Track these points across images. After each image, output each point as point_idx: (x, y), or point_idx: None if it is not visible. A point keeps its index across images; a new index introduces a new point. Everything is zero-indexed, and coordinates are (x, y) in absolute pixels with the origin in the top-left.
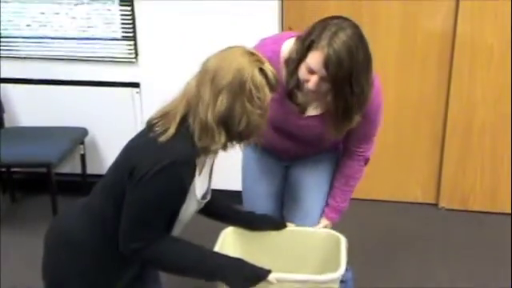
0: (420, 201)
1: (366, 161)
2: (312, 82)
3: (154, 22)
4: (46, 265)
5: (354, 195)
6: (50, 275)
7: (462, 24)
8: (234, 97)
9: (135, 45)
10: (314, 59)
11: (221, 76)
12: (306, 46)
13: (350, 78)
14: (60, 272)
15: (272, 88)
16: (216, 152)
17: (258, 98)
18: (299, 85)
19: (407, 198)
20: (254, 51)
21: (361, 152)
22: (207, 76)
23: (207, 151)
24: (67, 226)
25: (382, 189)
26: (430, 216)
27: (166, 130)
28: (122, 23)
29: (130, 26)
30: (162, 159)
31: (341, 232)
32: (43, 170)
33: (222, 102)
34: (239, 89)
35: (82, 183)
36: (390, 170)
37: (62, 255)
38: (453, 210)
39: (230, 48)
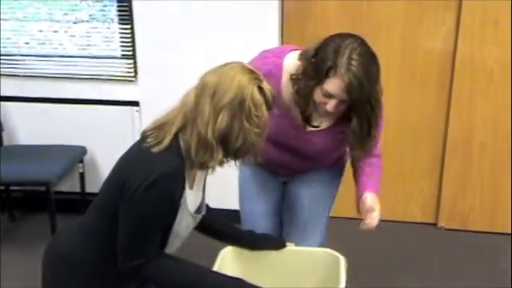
0: (419, 220)
1: (380, 157)
2: (331, 105)
3: (154, 41)
4: (45, 285)
5: (354, 214)
6: None
7: (462, 45)
8: (233, 115)
9: (135, 63)
10: (335, 86)
11: (222, 93)
12: (323, 73)
13: (369, 98)
14: None
15: (269, 107)
16: (213, 168)
17: (256, 117)
18: (315, 108)
19: (406, 218)
20: (253, 68)
21: (373, 156)
22: (207, 91)
23: (204, 166)
24: (64, 245)
25: (382, 208)
26: (429, 235)
27: (159, 142)
28: (122, 42)
29: (130, 44)
30: (152, 173)
31: (340, 251)
32: (42, 188)
33: (223, 119)
34: (239, 107)
35: (81, 202)
36: (389, 189)
37: (61, 275)
38: (452, 229)
39: (229, 64)
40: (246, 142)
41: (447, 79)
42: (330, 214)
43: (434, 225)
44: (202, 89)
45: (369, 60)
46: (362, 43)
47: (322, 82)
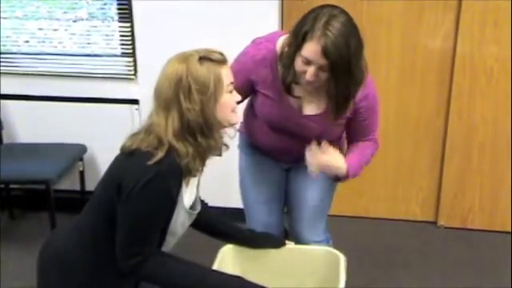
0: (419, 219)
1: (376, 144)
2: (309, 72)
3: (154, 39)
4: (41, 285)
5: (354, 213)
6: None
7: (461, 43)
8: (178, 104)
9: (134, 61)
10: (310, 50)
11: (160, 91)
12: (300, 38)
13: (348, 63)
14: None
15: (223, 61)
16: (198, 167)
17: (204, 85)
18: (296, 78)
19: (406, 216)
20: (186, 51)
21: (371, 139)
22: (155, 100)
23: (189, 170)
24: (60, 245)
25: (382, 207)
26: (429, 234)
27: (152, 152)
28: (122, 40)
29: (130, 42)
30: (149, 171)
31: (340, 250)
32: (42, 186)
33: (174, 117)
34: (175, 96)
35: (81, 200)
36: (389, 187)
37: (56, 276)
38: (452, 228)
39: (166, 62)
40: (207, 117)
41: (447, 78)
42: (331, 211)
43: (434, 223)
44: (153, 101)
45: (349, 28)
46: (343, 12)
47: (300, 48)
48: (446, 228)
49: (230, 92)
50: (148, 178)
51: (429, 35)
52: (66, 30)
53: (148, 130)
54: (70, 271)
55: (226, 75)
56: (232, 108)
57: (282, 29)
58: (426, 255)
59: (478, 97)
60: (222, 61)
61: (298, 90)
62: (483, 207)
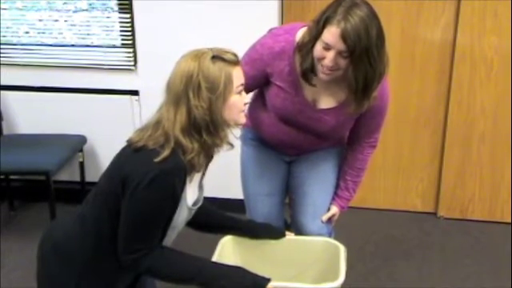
0: (419, 210)
1: (376, 147)
2: (328, 58)
3: (154, 30)
4: (40, 277)
5: (354, 204)
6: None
7: (461, 34)
8: (187, 100)
9: (134, 52)
10: (331, 34)
11: (172, 86)
12: (321, 24)
13: (367, 51)
14: (54, 284)
15: (235, 62)
16: (203, 162)
17: (214, 84)
18: (313, 69)
19: (406, 207)
20: (200, 49)
21: (373, 142)
22: (166, 94)
23: (193, 166)
24: (60, 235)
25: (382, 197)
26: (429, 225)
27: (159, 150)
28: (121, 31)
29: (129, 33)
30: (154, 168)
31: (340, 241)
32: (42, 177)
33: (182, 111)
34: (185, 92)
35: (81, 191)
36: (389, 178)
37: (55, 265)
38: (452, 219)
39: (180, 58)
40: (214, 116)
41: (447, 69)
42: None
43: (434, 214)
44: (164, 95)
45: (370, 18)
46: (366, 3)
47: (321, 34)
48: (445, 219)
49: (240, 93)
50: (153, 176)
51: (429, 26)
52: (66, 20)
53: (156, 125)
54: (70, 260)
55: (237, 76)
56: (240, 109)
57: None
58: (426, 246)
59: (477, 88)
60: (235, 61)
61: (314, 81)
62: (483, 198)
